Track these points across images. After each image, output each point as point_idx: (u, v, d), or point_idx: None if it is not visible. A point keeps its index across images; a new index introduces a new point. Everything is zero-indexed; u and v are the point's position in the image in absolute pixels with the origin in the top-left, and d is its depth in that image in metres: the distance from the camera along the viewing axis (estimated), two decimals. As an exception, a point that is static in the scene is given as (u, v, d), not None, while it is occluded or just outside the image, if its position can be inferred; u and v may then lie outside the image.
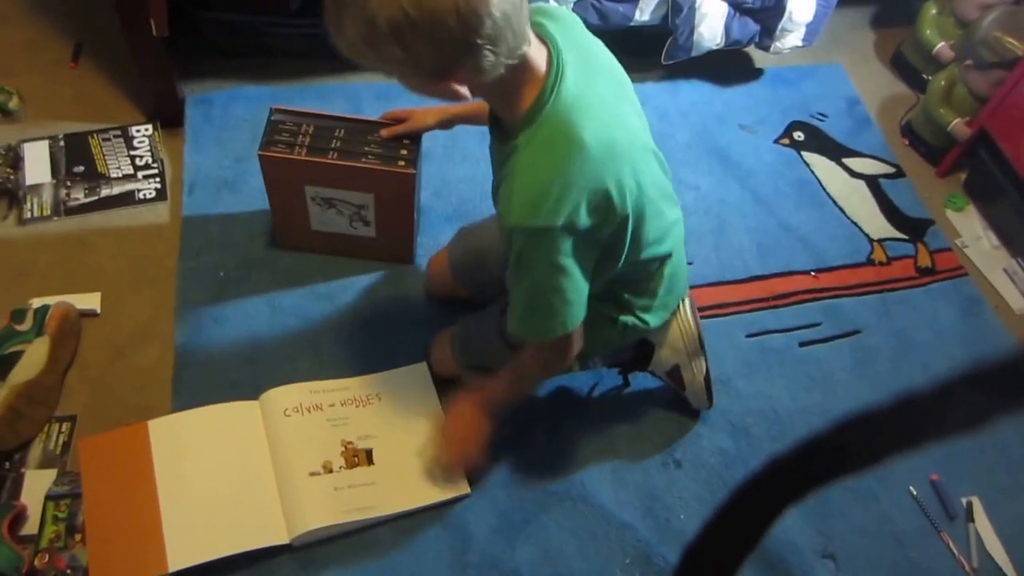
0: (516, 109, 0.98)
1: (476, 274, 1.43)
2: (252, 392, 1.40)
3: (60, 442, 1.32)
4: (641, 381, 1.49)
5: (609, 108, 1.02)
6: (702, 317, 1.59)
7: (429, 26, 0.84)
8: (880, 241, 1.79)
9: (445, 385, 1.39)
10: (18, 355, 1.32)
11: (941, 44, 1.97)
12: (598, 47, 1.09)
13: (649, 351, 1.38)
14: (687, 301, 1.37)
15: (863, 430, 0.56)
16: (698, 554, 0.67)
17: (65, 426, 1.33)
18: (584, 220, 0.97)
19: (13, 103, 1.69)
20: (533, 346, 1.15)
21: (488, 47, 0.87)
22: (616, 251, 1.08)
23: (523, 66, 0.95)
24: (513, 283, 1.06)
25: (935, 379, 0.52)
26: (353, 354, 1.47)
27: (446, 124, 1.40)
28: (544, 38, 0.99)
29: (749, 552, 0.63)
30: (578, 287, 1.04)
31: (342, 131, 1.42)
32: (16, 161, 1.62)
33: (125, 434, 1.28)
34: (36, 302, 1.42)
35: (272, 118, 1.42)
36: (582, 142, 0.95)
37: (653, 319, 1.27)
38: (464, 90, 0.93)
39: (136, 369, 1.41)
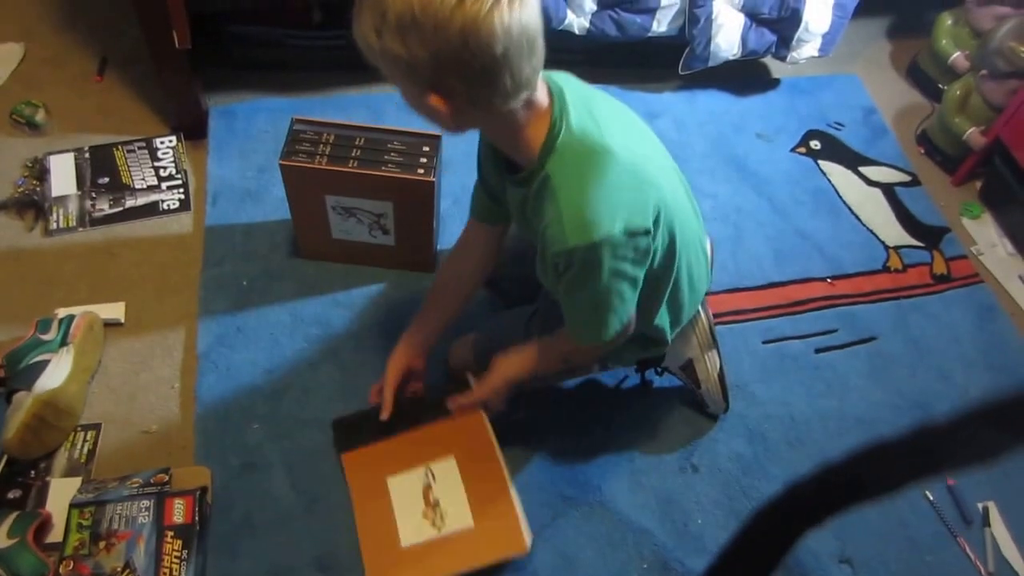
0: (530, 144, 0.98)
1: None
2: (274, 398, 1.40)
3: (85, 450, 1.33)
4: (659, 383, 1.48)
5: (618, 125, 1.03)
6: (720, 323, 1.58)
7: (431, 31, 0.84)
8: (896, 248, 1.77)
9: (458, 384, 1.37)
10: (44, 364, 1.33)
11: (957, 54, 1.96)
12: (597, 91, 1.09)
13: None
14: None
15: (879, 461, 0.57)
16: None
17: (90, 435, 1.34)
18: (640, 220, 0.98)
19: (39, 116, 1.71)
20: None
21: (489, 77, 0.87)
22: (668, 271, 1.10)
23: (531, 103, 0.95)
24: (570, 296, 1.05)
25: (951, 413, 0.52)
26: (373, 361, 1.47)
27: (425, 349, 1.32)
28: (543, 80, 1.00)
29: None
30: (636, 286, 1.05)
31: (362, 140, 1.42)
32: (42, 173, 1.64)
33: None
34: (61, 312, 1.43)
35: (293, 128, 1.43)
36: (610, 149, 0.97)
37: (671, 336, 1.27)
38: (444, 109, 0.91)
39: (159, 378, 1.42)
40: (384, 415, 1.28)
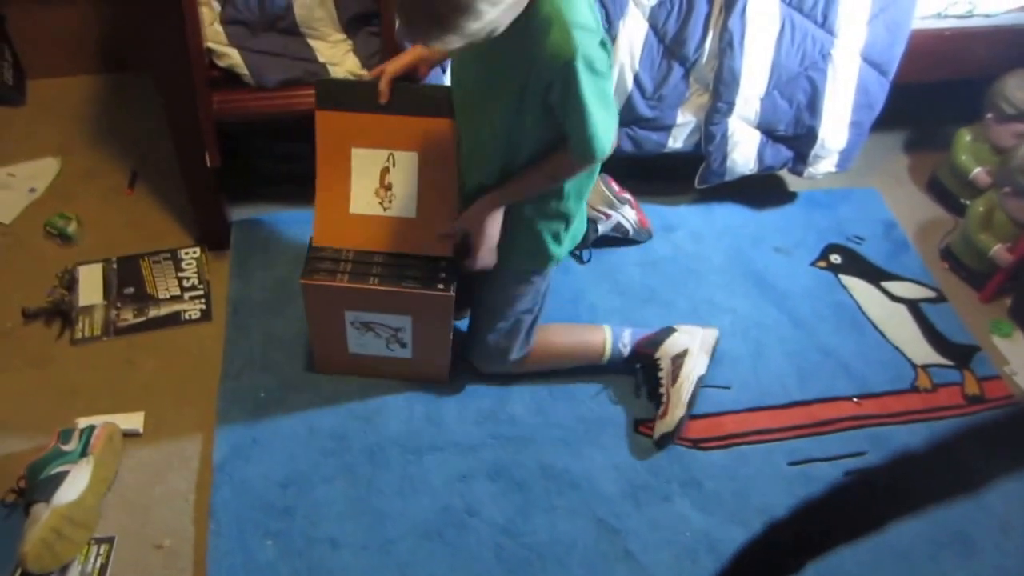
0: None
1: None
2: (287, 515, 1.49)
3: (98, 564, 1.42)
4: (664, 514, 1.55)
5: None
6: (743, 443, 1.69)
7: None
8: (924, 367, 1.86)
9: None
10: (63, 476, 1.44)
11: (977, 170, 2.11)
12: None
13: None
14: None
15: (861, 493, 0.60)
16: None
17: (103, 548, 1.44)
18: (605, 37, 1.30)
19: (71, 228, 1.90)
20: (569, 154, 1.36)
21: None
22: None
23: None
24: (577, 108, 1.25)
25: (931, 438, 0.56)
26: (390, 476, 1.57)
27: (435, 58, 1.53)
28: None
29: None
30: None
31: (381, 256, 1.57)
32: (71, 283, 1.81)
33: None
34: (82, 422, 1.56)
35: (313, 246, 1.58)
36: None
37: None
38: None
39: (174, 491, 1.53)
40: (382, 100, 1.47)
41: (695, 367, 1.67)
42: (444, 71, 1.67)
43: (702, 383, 1.67)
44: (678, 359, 1.67)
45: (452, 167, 1.51)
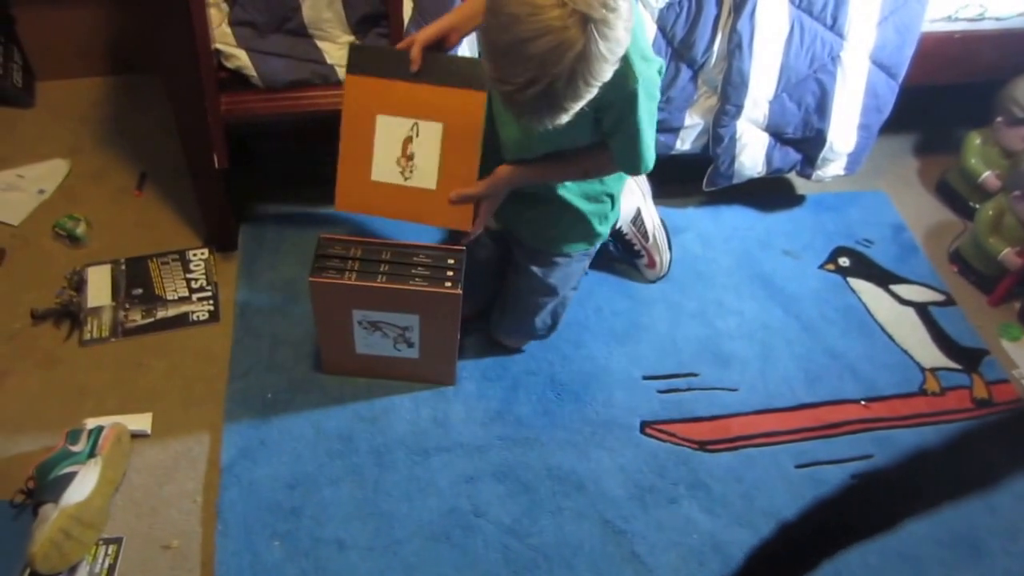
0: None
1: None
2: (294, 516, 1.50)
3: (106, 565, 1.43)
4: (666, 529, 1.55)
5: None
6: (750, 446, 1.69)
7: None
8: (933, 371, 1.86)
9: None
10: (71, 476, 1.45)
11: (987, 173, 2.10)
12: None
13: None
14: None
15: (875, 491, 0.59)
16: None
17: (112, 548, 1.45)
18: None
19: (80, 229, 1.91)
20: (608, 156, 1.46)
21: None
22: None
23: None
24: (629, 131, 1.36)
25: (948, 434, 0.55)
26: (396, 477, 1.57)
27: (466, 28, 1.52)
28: None
29: None
30: None
31: (388, 254, 1.58)
32: (80, 284, 1.82)
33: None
34: (91, 423, 1.56)
35: (321, 244, 1.59)
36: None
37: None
38: None
39: (182, 492, 1.54)
40: (414, 67, 1.46)
41: (651, 216, 1.90)
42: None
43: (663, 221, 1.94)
44: (637, 221, 1.88)
45: (476, 140, 1.49)
